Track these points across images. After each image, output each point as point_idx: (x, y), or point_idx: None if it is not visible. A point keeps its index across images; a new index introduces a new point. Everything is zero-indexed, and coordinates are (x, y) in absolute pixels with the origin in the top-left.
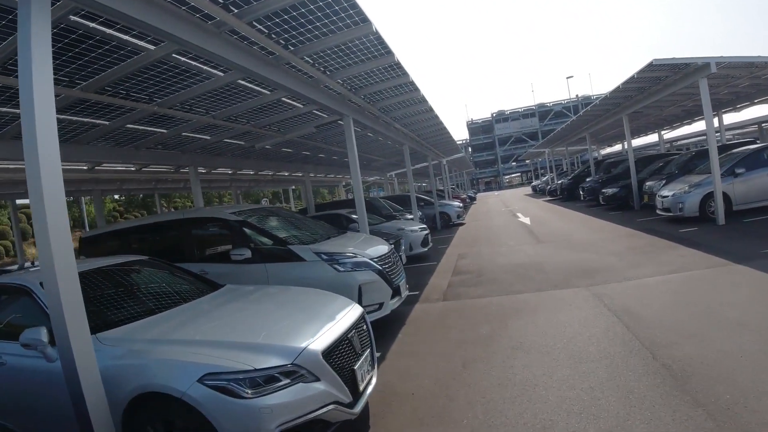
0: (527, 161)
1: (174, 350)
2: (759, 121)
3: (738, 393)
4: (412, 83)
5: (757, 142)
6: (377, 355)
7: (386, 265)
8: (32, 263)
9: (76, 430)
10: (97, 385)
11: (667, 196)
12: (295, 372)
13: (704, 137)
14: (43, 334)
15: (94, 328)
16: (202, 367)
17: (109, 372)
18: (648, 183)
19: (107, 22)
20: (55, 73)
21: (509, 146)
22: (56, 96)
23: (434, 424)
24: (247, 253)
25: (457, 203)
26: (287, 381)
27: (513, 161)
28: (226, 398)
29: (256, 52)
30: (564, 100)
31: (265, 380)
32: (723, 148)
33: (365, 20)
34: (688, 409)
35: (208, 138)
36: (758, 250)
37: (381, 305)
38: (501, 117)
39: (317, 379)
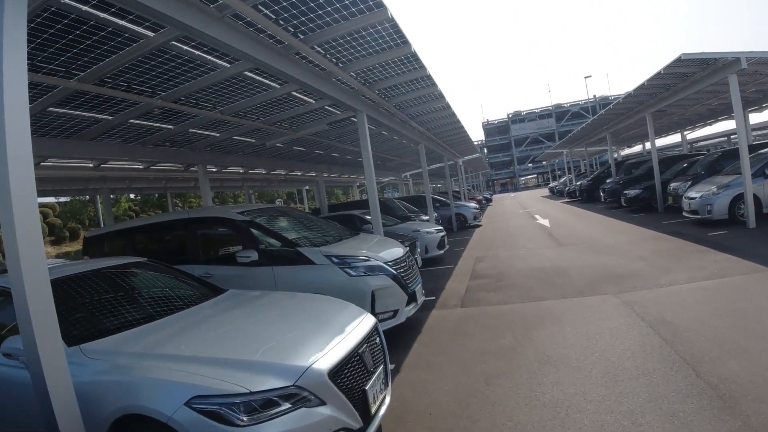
0: (544, 162)
1: (162, 366)
2: None
3: None
4: (429, 77)
5: None
6: (391, 367)
7: (401, 269)
8: None
9: None
10: (70, 405)
11: (694, 198)
12: (297, 395)
13: (724, 139)
14: None
15: (80, 339)
16: (190, 389)
17: (90, 389)
18: (672, 184)
19: (101, 5)
20: (50, 63)
21: (525, 147)
22: (53, 88)
23: None
24: (254, 256)
25: (473, 204)
26: (288, 405)
27: (529, 162)
28: (216, 425)
29: (264, 40)
30: (581, 101)
31: (263, 405)
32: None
33: (380, 5)
34: None
35: (217, 135)
36: None
37: (395, 312)
38: (517, 118)
39: (322, 403)
